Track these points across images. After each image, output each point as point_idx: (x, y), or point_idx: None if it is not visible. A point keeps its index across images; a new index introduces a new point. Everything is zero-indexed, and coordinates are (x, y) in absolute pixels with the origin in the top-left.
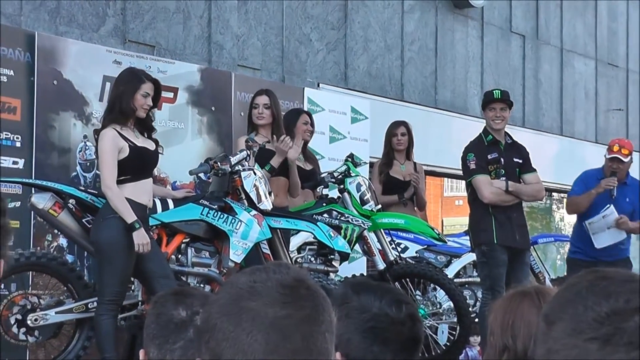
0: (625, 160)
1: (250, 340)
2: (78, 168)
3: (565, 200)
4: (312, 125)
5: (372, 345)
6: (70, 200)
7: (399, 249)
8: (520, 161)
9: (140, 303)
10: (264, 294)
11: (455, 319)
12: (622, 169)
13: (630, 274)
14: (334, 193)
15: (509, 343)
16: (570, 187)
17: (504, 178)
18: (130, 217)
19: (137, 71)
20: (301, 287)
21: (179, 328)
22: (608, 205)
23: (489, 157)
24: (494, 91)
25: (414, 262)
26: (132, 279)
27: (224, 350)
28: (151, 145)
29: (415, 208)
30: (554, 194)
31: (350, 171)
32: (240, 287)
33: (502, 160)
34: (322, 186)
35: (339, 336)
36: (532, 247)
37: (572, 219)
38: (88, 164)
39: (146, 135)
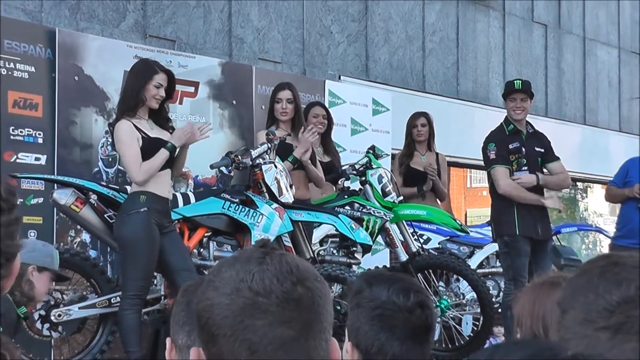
0: None
1: (252, 358)
2: (100, 163)
3: (592, 191)
4: (328, 117)
5: (379, 332)
6: (92, 196)
7: (422, 240)
8: (542, 150)
9: (162, 297)
10: (268, 313)
11: (478, 310)
12: None
13: None
14: (355, 185)
15: (540, 333)
16: (594, 176)
17: (525, 168)
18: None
19: (151, 62)
20: (304, 293)
21: None
22: None
23: (510, 146)
24: (515, 81)
25: (436, 254)
26: (155, 273)
27: None
28: (166, 137)
29: (437, 200)
30: (578, 183)
31: (372, 163)
32: (244, 298)
33: (523, 149)
34: (344, 178)
35: (350, 326)
36: (555, 236)
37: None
38: (110, 159)
39: (161, 127)
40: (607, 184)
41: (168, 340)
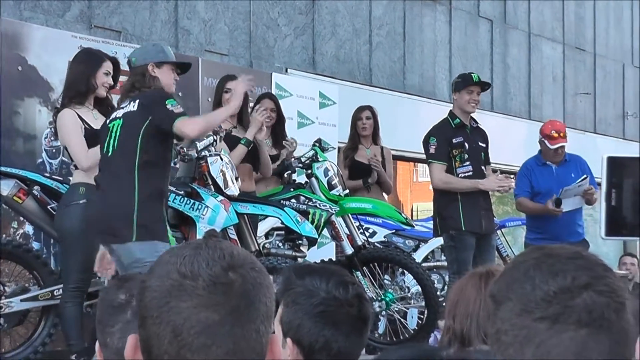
0: (566, 142)
1: (176, 341)
2: (44, 154)
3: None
4: (278, 110)
5: (323, 329)
6: (35, 187)
7: (367, 234)
8: (484, 146)
9: (99, 292)
10: (194, 295)
11: (423, 303)
12: (563, 151)
13: (576, 250)
14: (301, 178)
15: (451, 323)
16: None
17: (468, 163)
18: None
19: (95, 50)
20: (235, 279)
21: (117, 311)
22: (585, 176)
23: (454, 140)
24: (472, 75)
25: (382, 247)
26: None
27: (152, 346)
28: None
29: (383, 194)
30: None
31: (318, 156)
32: (171, 280)
33: (466, 144)
34: (290, 171)
35: (288, 323)
36: (500, 230)
37: None
38: (54, 150)
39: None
40: None
41: (97, 350)
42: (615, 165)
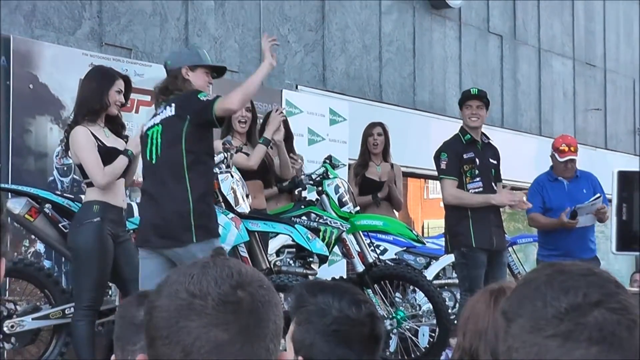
0: (576, 157)
1: None
2: (55, 172)
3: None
4: (287, 128)
5: (335, 347)
6: (47, 205)
7: (378, 251)
8: (495, 162)
9: (117, 308)
10: (203, 314)
11: (434, 321)
12: (574, 166)
13: (587, 267)
14: (312, 195)
15: (461, 340)
16: None
17: (478, 179)
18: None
19: (107, 68)
20: (243, 297)
21: (139, 329)
22: (599, 195)
23: (465, 156)
24: (471, 89)
25: (393, 264)
26: (110, 283)
27: None
28: (121, 145)
29: (394, 210)
30: None
31: (329, 173)
32: (180, 299)
33: (477, 160)
34: (300, 188)
35: (300, 341)
36: (511, 247)
37: None
38: (65, 168)
39: (117, 134)
40: None
41: (112, 358)
42: (626, 179)
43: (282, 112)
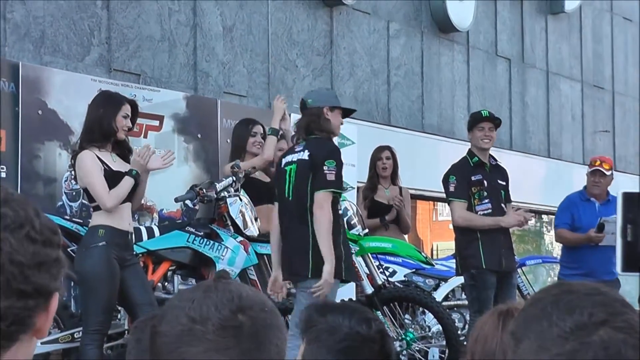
0: (607, 173)
1: None
2: (64, 197)
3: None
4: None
5: None
6: None
7: (387, 273)
8: (504, 183)
9: (126, 332)
10: (204, 340)
11: (444, 342)
12: (603, 184)
13: (595, 287)
14: None
15: None
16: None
17: (487, 200)
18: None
19: (114, 93)
20: (244, 321)
21: None
22: None
23: (473, 178)
24: (482, 111)
25: (402, 286)
26: (118, 307)
27: None
28: (127, 169)
29: (402, 233)
30: (543, 216)
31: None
32: (181, 325)
33: (485, 182)
34: None
35: None
36: (520, 269)
37: None
38: (74, 193)
39: (124, 158)
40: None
41: None
42: (631, 200)
43: (284, 100)
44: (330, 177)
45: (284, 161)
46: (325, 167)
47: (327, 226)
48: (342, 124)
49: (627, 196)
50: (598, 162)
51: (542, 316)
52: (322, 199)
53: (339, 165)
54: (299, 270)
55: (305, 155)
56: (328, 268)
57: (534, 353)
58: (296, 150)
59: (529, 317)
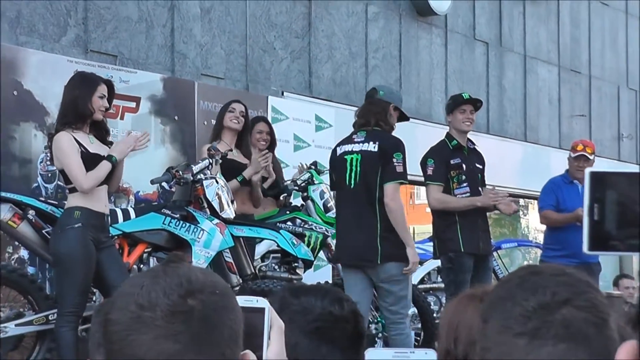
0: (591, 158)
1: None
2: (39, 179)
3: (533, 207)
4: (271, 134)
5: (319, 346)
6: (30, 211)
7: None
8: (481, 167)
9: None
10: (153, 326)
11: (419, 325)
12: (586, 167)
13: (561, 268)
14: (297, 201)
15: (451, 347)
16: (535, 193)
17: (465, 184)
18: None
19: (90, 74)
20: (194, 305)
21: None
22: None
23: (452, 162)
24: (462, 94)
25: None
26: (93, 289)
27: None
28: (105, 151)
29: None
30: (519, 200)
31: (314, 179)
32: (130, 312)
33: (463, 166)
34: (286, 194)
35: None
36: (496, 252)
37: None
38: (49, 174)
39: (101, 140)
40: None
41: None
42: (598, 180)
43: (266, 158)
44: (399, 169)
45: (340, 150)
46: (394, 160)
47: (402, 215)
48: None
49: (594, 175)
50: (581, 147)
51: (507, 297)
52: (393, 190)
53: (405, 158)
54: (369, 257)
55: (372, 147)
56: (412, 252)
57: (498, 332)
58: (355, 140)
59: (495, 299)
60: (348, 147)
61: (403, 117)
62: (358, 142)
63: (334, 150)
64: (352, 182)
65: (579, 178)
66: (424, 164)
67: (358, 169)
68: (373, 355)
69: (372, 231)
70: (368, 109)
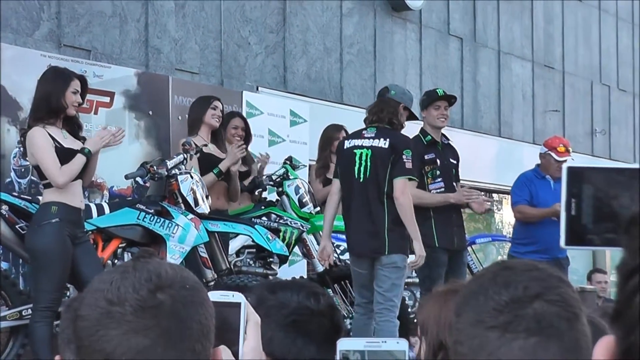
0: (572, 159)
1: None
2: (12, 174)
3: (507, 202)
4: (246, 130)
5: (295, 339)
6: (3, 207)
7: (338, 251)
8: (455, 162)
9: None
10: (122, 322)
11: None
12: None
13: (533, 263)
14: (272, 196)
15: (446, 342)
16: (509, 188)
17: (440, 179)
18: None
19: (63, 69)
20: (164, 300)
21: None
22: None
23: (426, 157)
24: (437, 90)
25: None
26: (68, 284)
27: None
28: (79, 146)
29: None
30: (493, 195)
31: (289, 174)
32: (99, 308)
33: (438, 161)
34: (261, 189)
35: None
36: (470, 247)
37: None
38: (23, 169)
39: (74, 135)
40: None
41: (57, 358)
42: (575, 175)
43: (243, 149)
44: (409, 165)
45: (348, 144)
46: (404, 156)
47: (411, 209)
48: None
49: (572, 170)
50: (563, 149)
51: (479, 291)
52: (403, 185)
53: (414, 155)
54: (376, 248)
55: (383, 143)
56: (418, 245)
57: (471, 326)
58: (365, 135)
59: (468, 293)
60: (358, 142)
61: (412, 117)
62: (368, 138)
63: (342, 143)
64: (362, 176)
65: (556, 177)
66: None
67: (368, 163)
68: (345, 345)
69: (381, 224)
70: (380, 107)
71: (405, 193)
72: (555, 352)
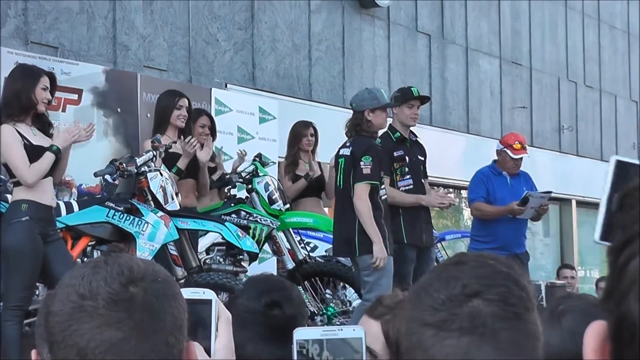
0: (528, 155)
1: None
2: None
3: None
4: (212, 127)
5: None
6: None
7: (308, 248)
8: (423, 159)
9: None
10: (95, 315)
11: None
12: (520, 164)
13: (485, 260)
14: (242, 193)
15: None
16: None
17: (408, 176)
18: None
19: (31, 66)
20: (136, 293)
21: None
22: (550, 191)
23: (395, 154)
24: (412, 89)
25: (323, 261)
26: (38, 283)
27: None
28: (48, 144)
29: (323, 208)
30: (462, 191)
31: (259, 171)
32: (72, 302)
33: (406, 158)
34: (230, 186)
35: None
36: (440, 243)
37: None
38: None
39: (44, 132)
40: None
41: (33, 353)
42: (623, 170)
43: (192, 143)
44: (367, 170)
45: (337, 155)
46: (362, 162)
47: (368, 213)
48: (387, 117)
49: (621, 164)
50: (519, 147)
51: (424, 287)
52: (360, 191)
53: (375, 160)
54: (349, 250)
55: (347, 151)
56: (377, 247)
57: (412, 321)
58: (346, 145)
59: (416, 288)
60: (341, 151)
61: (389, 105)
62: (345, 147)
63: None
64: (340, 183)
65: (512, 173)
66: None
67: (342, 171)
68: (301, 334)
69: (352, 228)
70: (350, 121)
71: (362, 198)
72: (489, 352)
